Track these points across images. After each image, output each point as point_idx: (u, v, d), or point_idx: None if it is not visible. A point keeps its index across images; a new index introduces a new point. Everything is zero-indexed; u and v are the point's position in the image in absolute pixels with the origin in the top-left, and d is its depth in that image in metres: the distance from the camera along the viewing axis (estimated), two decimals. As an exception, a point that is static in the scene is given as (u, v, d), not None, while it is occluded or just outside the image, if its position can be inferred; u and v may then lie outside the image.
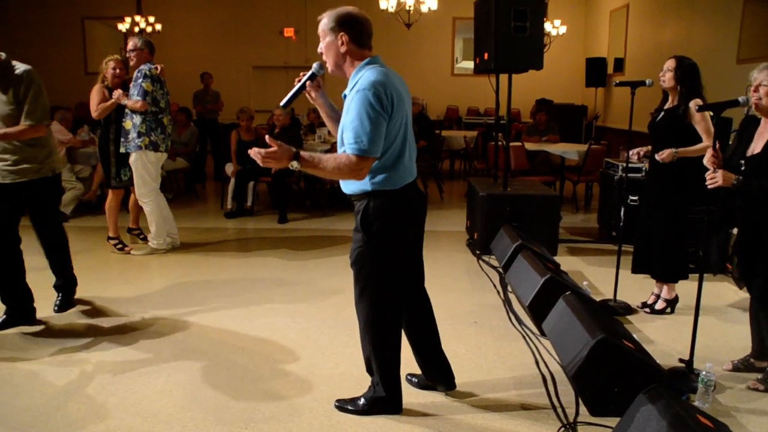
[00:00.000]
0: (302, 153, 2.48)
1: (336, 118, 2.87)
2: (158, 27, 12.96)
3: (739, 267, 3.38)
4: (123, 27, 12.94)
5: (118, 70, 5.49)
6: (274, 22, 14.29)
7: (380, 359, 2.83)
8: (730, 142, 5.22)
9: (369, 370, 2.92)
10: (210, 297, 4.55)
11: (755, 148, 3.14)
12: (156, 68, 5.34)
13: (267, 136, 2.47)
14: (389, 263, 2.72)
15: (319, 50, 2.68)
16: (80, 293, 4.36)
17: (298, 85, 2.73)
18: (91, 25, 14.50)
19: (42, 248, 4.05)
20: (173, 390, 3.12)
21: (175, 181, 9.17)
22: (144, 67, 5.30)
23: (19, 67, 3.75)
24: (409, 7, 10.89)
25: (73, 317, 4.11)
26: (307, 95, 2.79)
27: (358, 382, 3.15)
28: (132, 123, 5.32)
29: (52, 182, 4.00)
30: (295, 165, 2.44)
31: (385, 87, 2.50)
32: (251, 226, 7.10)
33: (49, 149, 3.94)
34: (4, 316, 3.86)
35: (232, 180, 7.49)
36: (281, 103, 2.74)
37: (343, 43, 2.58)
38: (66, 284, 4.19)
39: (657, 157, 3.94)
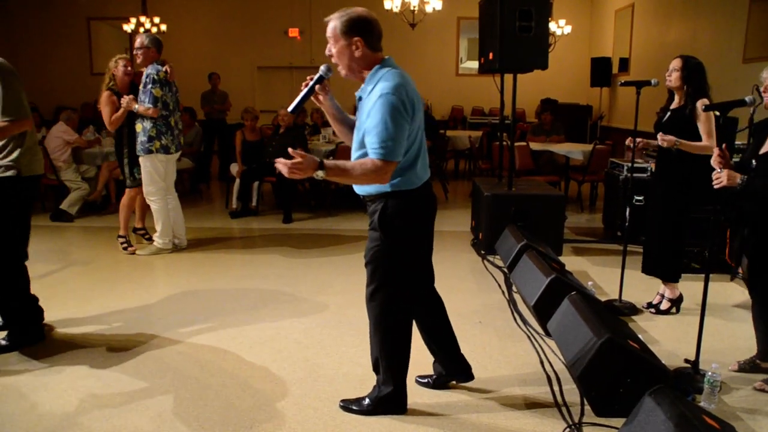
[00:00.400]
0: (326, 162, 2.47)
1: (342, 119, 2.87)
2: (163, 27, 12.98)
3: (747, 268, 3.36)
4: (128, 27, 12.97)
5: (129, 68, 5.54)
6: (278, 22, 14.31)
7: (389, 359, 2.83)
8: (737, 142, 5.22)
9: (376, 370, 2.92)
10: (214, 296, 4.55)
11: (766, 147, 3.14)
12: (164, 71, 5.34)
13: (290, 149, 2.44)
14: (405, 263, 2.75)
15: (327, 53, 2.64)
16: (85, 294, 4.36)
17: (306, 90, 2.68)
18: (97, 25, 14.55)
19: None
20: (178, 390, 3.12)
21: (180, 181, 9.17)
22: (152, 71, 5.30)
23: None
24: (414, 7, 10.89)
25: (70, 326, 4.04)
26: (314, 98, 2.75)
27: (362, 382, 3.15)
28: (142, 127, 5.35)
29: (18, 182, 3.49)
30: (320, 174, 2.43)
31: (406, 90, 2.52)
32: (256, 225, 7.10)
33: (15, 143, 3.47)
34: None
35: (237, 180, 7.50)
36: (289, 109, 2.71)
37: (357, 48, 2.57)
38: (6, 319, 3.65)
39: (659, 137, 3.93)
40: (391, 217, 2.65)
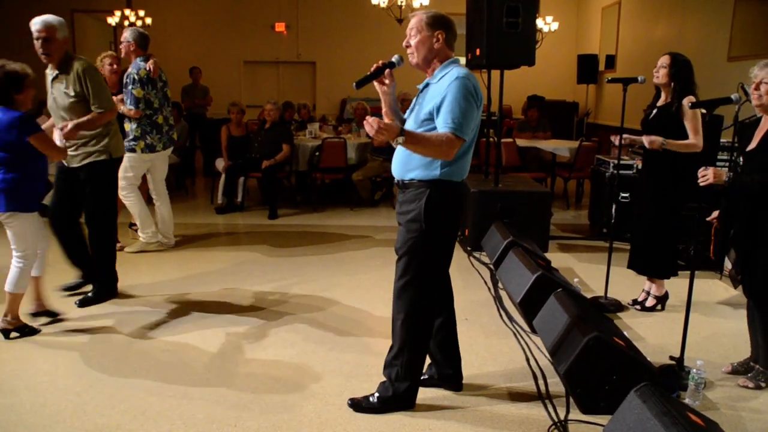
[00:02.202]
0: (407, 130, 2.58)
1: (395, 110, 2.96)
2: (148, 21, 12.83)
3: (736, 265, 3.36)
4: (113, 21, 12.82)
5: (115, 66, 5.47)
6: (265, 16, 14.20)
7: (412, 353, 2.85)
8: (723, 140, 5.25)
9: (388, 365, 2.91)
10: (199, 294, 4.52)
11: (753, 144, 3.15)
12: (145, 68, 5.25)
13: (385, 110, 2.75)
14: (439, 256, 2.82)
15: (405, 44, 2.80)
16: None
17: (374, 71, 2.79)
18: (81, 18, 14.35)
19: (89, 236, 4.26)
20: (162, 388, 3.10)
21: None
22: (132, 70, 5.24)
23: (77, 60, 4.09)
24: (401, 2, 10.85)
25: (51, 323, 4.04)
26: (377, 82, 2.84)
27: (349, 379, 3.15)
28: (130, 127, 5.34)
29: (109, 164, 4.21)
30: (400, 141, 2.50)
31: (475, 81, 2.70)
32: (241, 221, 7.05)
33: (103, 131, 4.13)
34: (81, 280, 4.43)
35: (223, 175, 7.44)
36: (354, 83, 2.75)
37: (438, 41, 2.75)
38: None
39: (645, 140, 3.94)
40: (436, 208, 2.72)
